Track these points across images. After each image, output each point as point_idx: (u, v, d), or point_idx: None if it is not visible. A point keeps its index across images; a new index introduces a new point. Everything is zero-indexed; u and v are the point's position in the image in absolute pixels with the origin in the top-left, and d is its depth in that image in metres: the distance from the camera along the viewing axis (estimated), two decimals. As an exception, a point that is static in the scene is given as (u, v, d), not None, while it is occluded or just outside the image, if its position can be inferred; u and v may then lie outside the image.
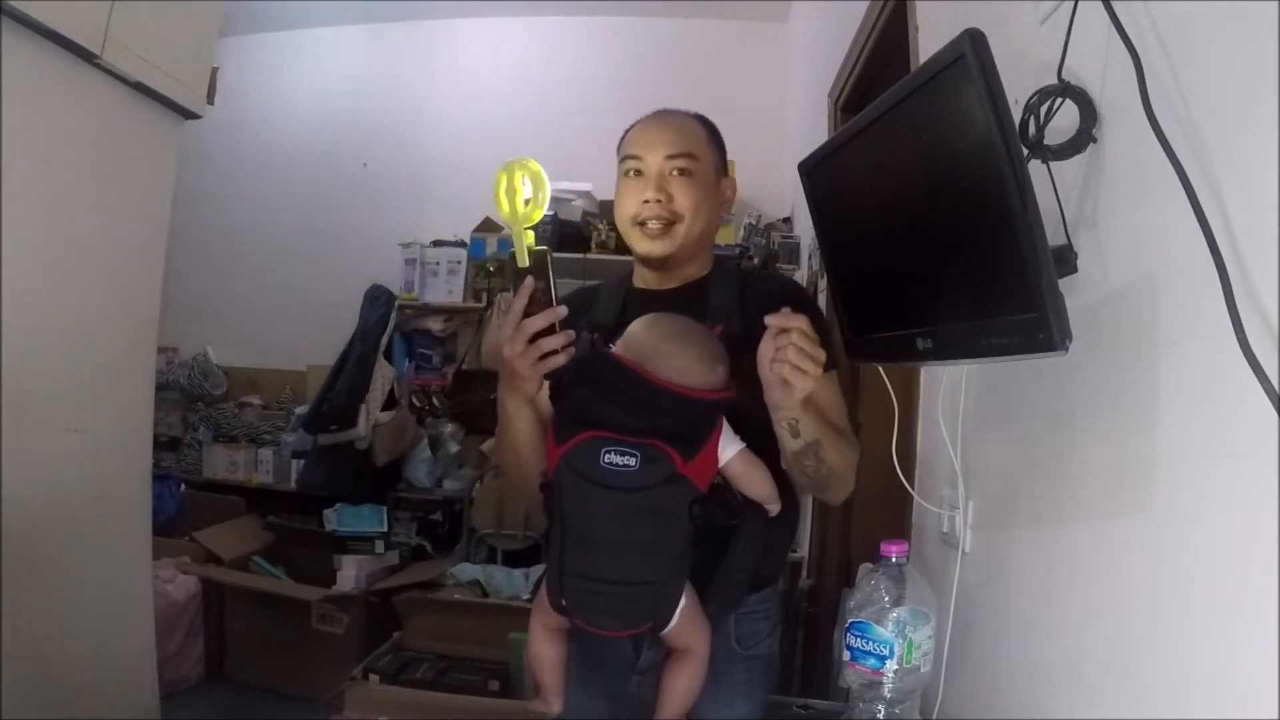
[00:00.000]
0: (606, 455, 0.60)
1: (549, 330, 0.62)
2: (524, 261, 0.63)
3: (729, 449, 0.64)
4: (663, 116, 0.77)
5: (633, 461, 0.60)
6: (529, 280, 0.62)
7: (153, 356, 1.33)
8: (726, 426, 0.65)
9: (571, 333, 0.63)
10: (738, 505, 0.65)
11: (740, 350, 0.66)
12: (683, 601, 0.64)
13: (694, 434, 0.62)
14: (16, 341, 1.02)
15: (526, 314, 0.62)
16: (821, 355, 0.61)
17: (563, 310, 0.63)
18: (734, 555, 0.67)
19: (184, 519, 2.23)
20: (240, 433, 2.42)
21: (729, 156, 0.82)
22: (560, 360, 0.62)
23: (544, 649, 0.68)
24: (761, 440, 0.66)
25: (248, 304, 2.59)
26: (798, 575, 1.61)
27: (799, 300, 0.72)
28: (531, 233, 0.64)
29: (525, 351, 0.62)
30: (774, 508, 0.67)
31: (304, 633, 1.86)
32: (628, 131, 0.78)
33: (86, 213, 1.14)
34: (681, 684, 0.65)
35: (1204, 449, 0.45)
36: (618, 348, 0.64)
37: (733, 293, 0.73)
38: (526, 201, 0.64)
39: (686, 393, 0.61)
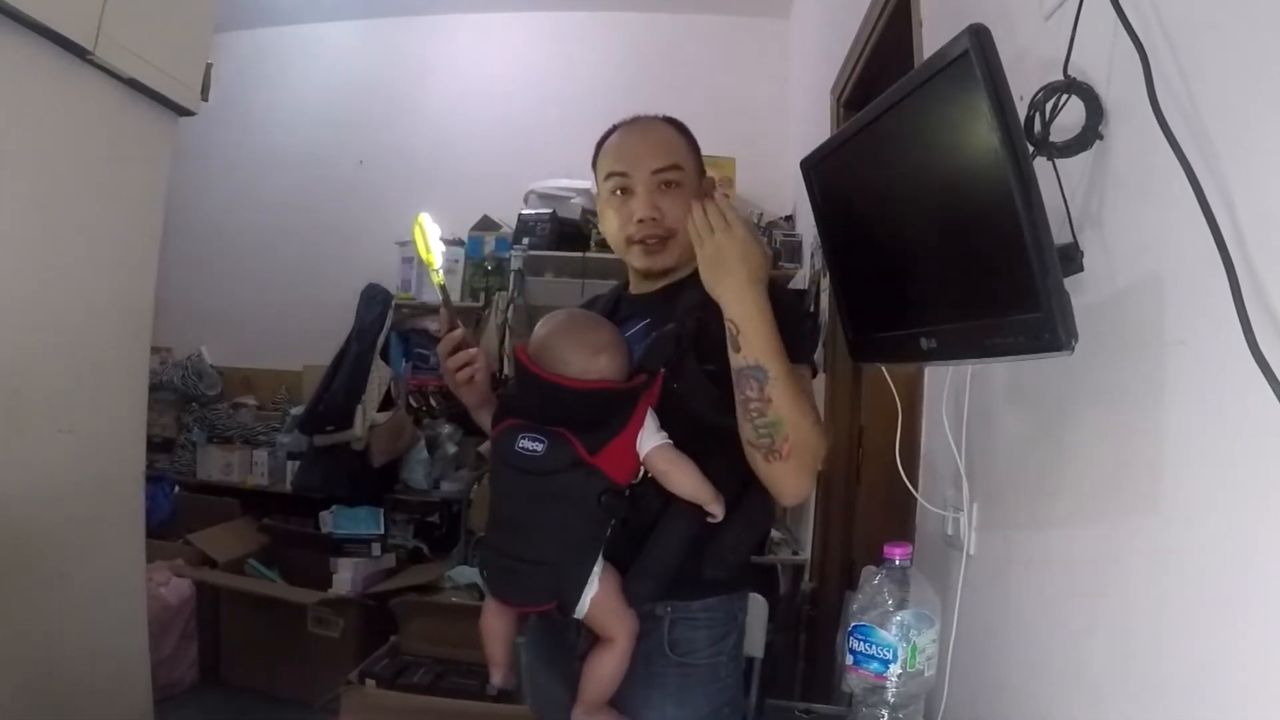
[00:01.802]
0: (520, 440, 0.65)
1: (462, 347, 0.74)
2: (442, 297, 0.77)
3: (648, 442, 0.65)
4: (640, 127, 0.77)
5: (539, 447, 0.64)
6: (443, 311, 0.75)
7: (146, 356, 1.32)
8: (650, 420, 0.66)
9: (473, 351, 0.73)
10: (652, 503, 0.66)
11: (695, 348, 0.67)
12: (594, 588, 0.65)
13: (597, 423, 0.64)
14: (8, 340, 1.01)
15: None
16: (732, 220, 0.63)
17: (457, 334, 0.73)
18: (652, 548, 0.66)
19: (178, 521, 2.21)
20: (235, 434, 2.40)
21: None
22: (467, 374, 0.73)
23: (492, 622, 0.72)
24: (707, 439, 0.65)
25: (242, 303, 2.57)
26: (800, 578, 1.61)
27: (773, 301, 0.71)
28: (440, 273, 0.77)
29: (448, 368, 0.73)
30: (714, 509, 0.66)
31: (299, 636, 1.85)
32: (603, 143, 0.78)
33: (79, 211, 1.13)
34: (599, 671, 0.66)
35: (1211, 449, 0.44)
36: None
37: (703, 292, 0.71)
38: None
39: (560, 380, 0.64)
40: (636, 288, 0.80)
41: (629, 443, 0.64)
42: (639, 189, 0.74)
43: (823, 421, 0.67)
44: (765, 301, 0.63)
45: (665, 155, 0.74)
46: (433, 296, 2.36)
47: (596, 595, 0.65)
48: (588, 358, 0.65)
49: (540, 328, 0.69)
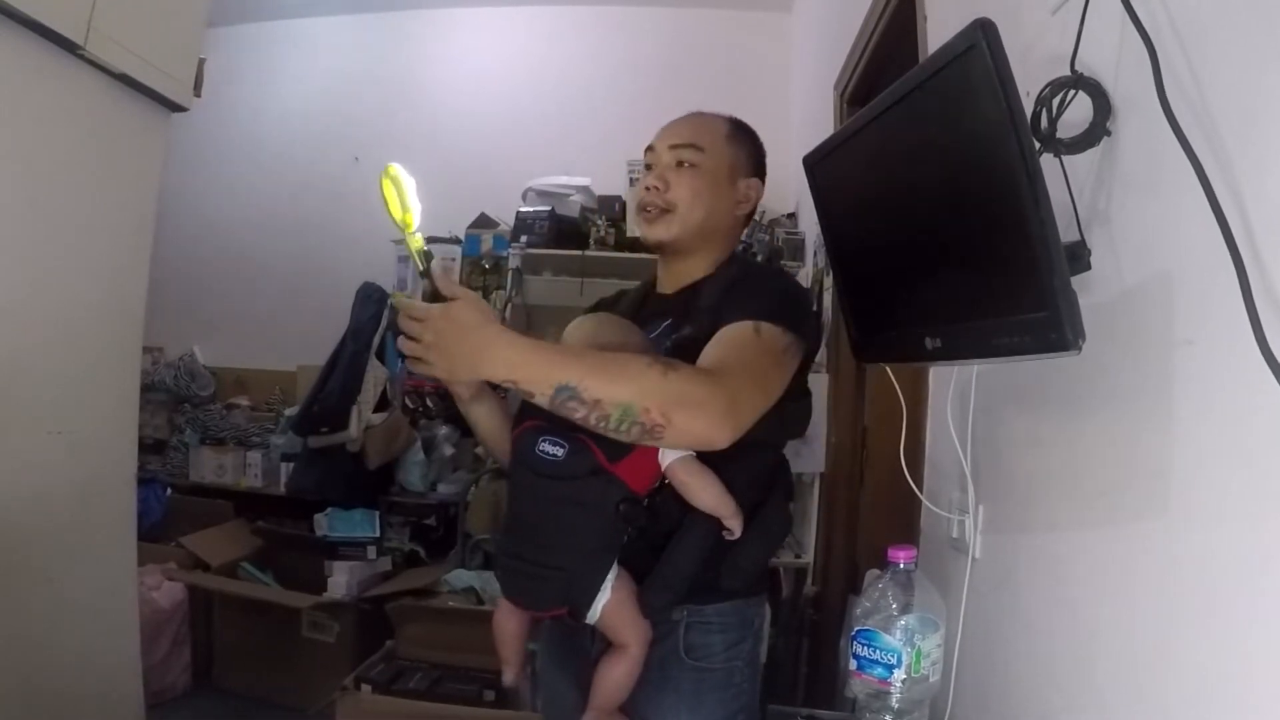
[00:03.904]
0: (541, 444, 0.64)
1: None
2: (421, 266, 0.61)
3: (670, 454, 0.64)
4: (688, 114, 0.79)
5: (560, 452, 0.63)
6: (426, 286, 0.62)
7: (138, 356, 1.30)
8: None
9: None
10: (671, 512, 0.65)
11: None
12: (606, 595, 0.64)
13: None
14: (-5, 341, 0.99)
15: None
16: (420, 337, 0.56)
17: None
18: (669, 557, 0.66)
19: (170, 523, 2.19)
20: (228, 435, 2.38)
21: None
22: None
23: (504, 623, 0.72)
24: (727, 448, 0.61)
25: (235, 302, 2.55)
26: (802, 581, 1.60)
27: (746, 282, 0.70)
28: (419, 236, 0.61)
29: None
30: (732, 524, 0.65)
31: (294, 641, 1.83)
32: None
33: (70, 208, 1.11)
34: (611, 677, 0.66)
35: (1221, 451, 0.43)
36: None
37: (718, 293, 0.71)
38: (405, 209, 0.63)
39: None
40: (661, 286, 0.80)
41: (652, 453, 0.64)
42: (658, 163, 0.75)
43: (737, 360, 0.60)
44: (508, 336, 0.57)
45: (687, 134, 0.75)
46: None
47: (609, 603, 0.65)
48: None
49: (568, 335, 0.68)
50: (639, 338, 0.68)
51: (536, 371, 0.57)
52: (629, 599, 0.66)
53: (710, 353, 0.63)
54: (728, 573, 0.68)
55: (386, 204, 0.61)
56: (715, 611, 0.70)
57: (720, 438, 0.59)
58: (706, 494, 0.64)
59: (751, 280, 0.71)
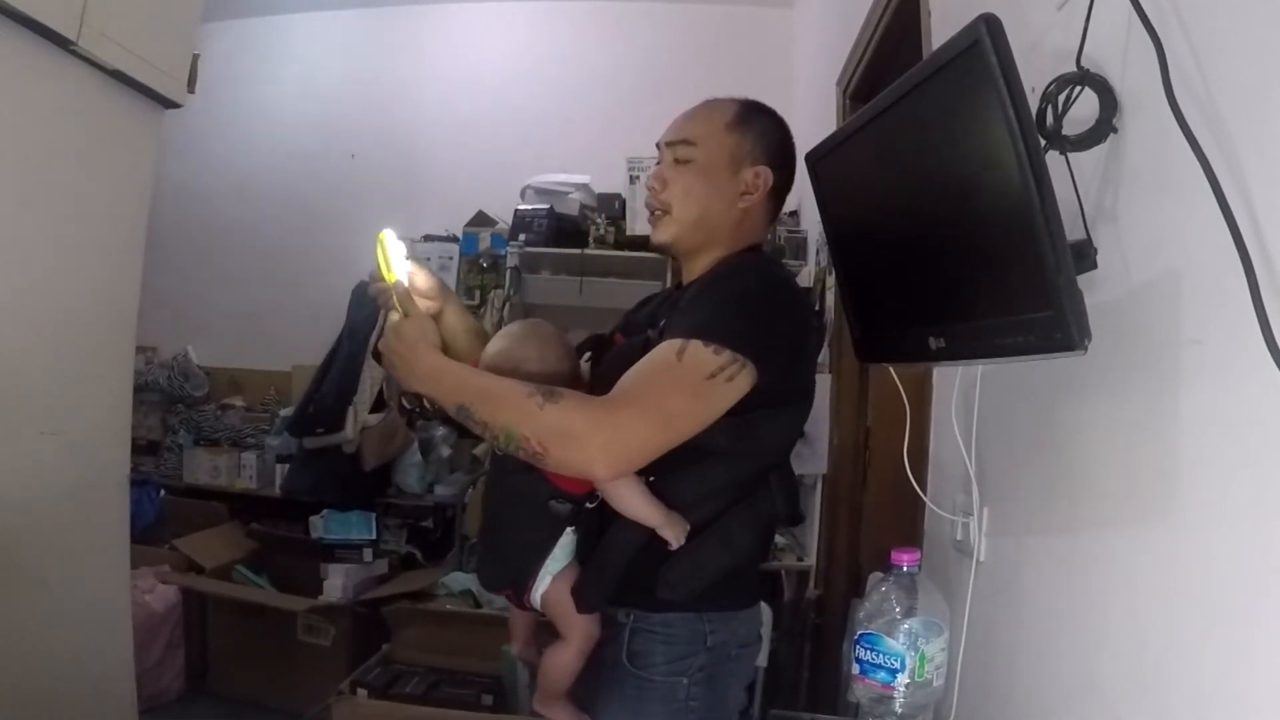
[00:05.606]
0: None
1: None
2: (400, 311, 0.70)
3: None
4: (698, 104, 0.76)
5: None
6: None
7: (131, 356, 1.29)
8: None
9: None
10: (612, 513, 0.66)
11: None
12: (546, 584, 0.68)
13: None
14: (-15, 340, 0.98)
15: None
16: (389, 328, 0.66)
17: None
18: (596, 555, 0.67)
19: (164, 526, 2.17)
20: (222, 436, 2.36)
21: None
22: None
23: (515, 609, 0.76)
24: (676, 454, 0.60)
25: (230, 301, 2.53)
26: (805, 585, 1.59)
27: (709, 286, 0.68)
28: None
29: None
30: (666, 534, 0.63)
31: (289, 644, 1.81)
32: None
33: (62, 206, 1.10)
34: (551, 664, 0.70)
35: (1227, 453, 0.43)
36: None
37: (689, 296, 0.69)
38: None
39: None
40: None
41: None
42: (661, 161, 0.75)
43: (639, 387, 0.59)
44: (430, 356, 0.65)
45: (681, 129, 0.73)
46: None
47: (548, 592, 0.68)
48: (509, 373, 0.66)
49: (491, 343, 0.71)
50: (556, 353, 0.69)
51: (442, 390, 0.64)
52: (564, 590, 0.67)
53: (624, 376, 0.61)
54: (664, 582, 0.65)
55: (380, 267, 0.70)
56: (660, 620, 0.67)
57: (598, 472, 0.60)
58: (629, 503, 0.64)
59: (714, 285, 0.67)
